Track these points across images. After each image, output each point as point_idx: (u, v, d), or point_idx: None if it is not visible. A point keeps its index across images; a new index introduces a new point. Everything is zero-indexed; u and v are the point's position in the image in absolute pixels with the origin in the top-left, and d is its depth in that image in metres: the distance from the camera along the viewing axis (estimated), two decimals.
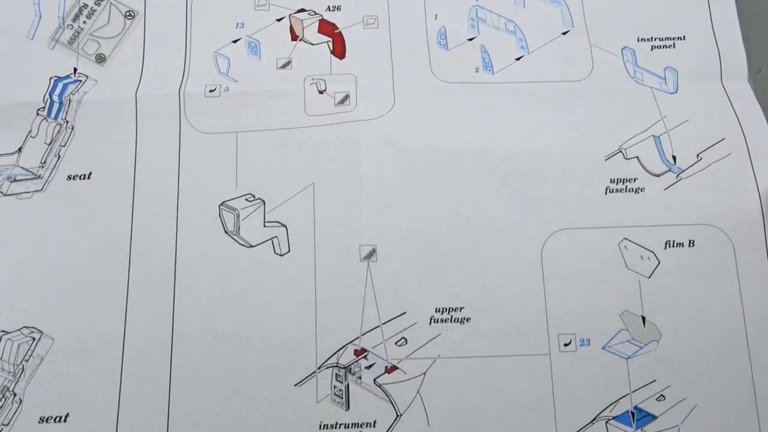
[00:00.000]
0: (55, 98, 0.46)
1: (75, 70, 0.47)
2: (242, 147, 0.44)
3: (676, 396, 0.40)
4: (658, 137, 0.44)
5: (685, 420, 0.39)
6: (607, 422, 0.39)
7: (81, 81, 0.47)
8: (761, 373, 0.40)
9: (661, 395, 0.40)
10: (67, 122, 0.45)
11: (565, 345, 0.40)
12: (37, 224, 0.43)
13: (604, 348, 0.40)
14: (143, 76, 0.47)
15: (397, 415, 0.39)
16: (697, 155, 0.44)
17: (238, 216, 0.43)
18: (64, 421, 0.39)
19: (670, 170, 0.43)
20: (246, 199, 0.44)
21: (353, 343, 0.40)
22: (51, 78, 0.47)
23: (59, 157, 0.45)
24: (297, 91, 0.46)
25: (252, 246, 0.42)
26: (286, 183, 0.44)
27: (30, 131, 0.45)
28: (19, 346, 0.40)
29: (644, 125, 0.44)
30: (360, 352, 0.40)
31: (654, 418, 0.39)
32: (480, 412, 0.39)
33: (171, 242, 0.43)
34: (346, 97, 0.46)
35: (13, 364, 0.40)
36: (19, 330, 0.41)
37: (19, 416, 0.39)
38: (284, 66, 0.47)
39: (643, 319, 0.41)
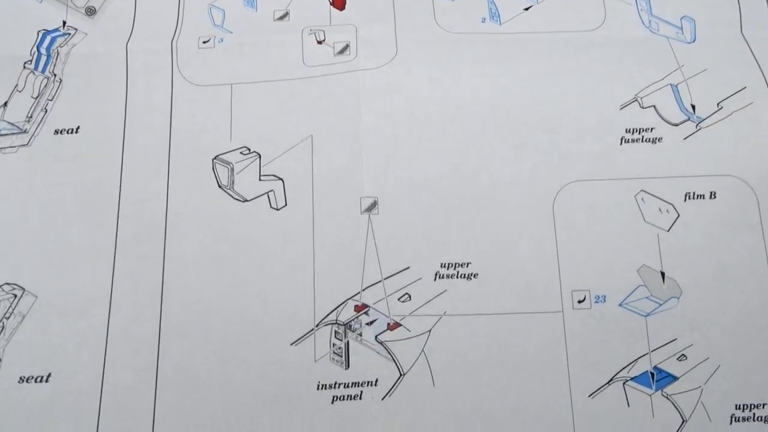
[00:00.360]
0: (43, 51, 0.44)
1: (64, 23, 0.45)
2: (237, 99, 0.42)
3: (698, 355, 0.37)
4: (676, 86, 0.42)
5: (709, 380, 0.37)
6: (624, 383, 0.37)
7: (70, 34, 0.45)
8: None
9: (683, 355, 0.37)
10: (55, 75, 0.43)
11: (579, 302, 0.38)
12: (22, 179, 0.41)
13: (620, 305, 0.38)
14: (134, 28, 0.45)
15: (401, 374, 0.37)
16: (718, 104, 0.41)
17: (233, 170, 0.41)
18: (46, 381, 0.37)
19: (689, 119, 0.41)
20: (241, 153, 0.41)
21: (353, 299, 0.38)
22: (39, 31, 0.45)
23: (46, 111, 0.43)
24: (294, 42, 0.44)
25: (246, 200, 0.40)
26: (283, 135, 0.41)
27: (16, 85, 0.43)
28: None
29: (661, 74, 0.42)
30: (360, 308, 0.38)
31: (675, 378, 0.37)
32: (488, 373, 0.37)
33: (161, 197, 0.40)
34: (346, 47, 0.44)
35: None
36: (0, 287, 0.38)
37: None
38: (281, 18, 0.45)
39: (662, 274, 0.38)
